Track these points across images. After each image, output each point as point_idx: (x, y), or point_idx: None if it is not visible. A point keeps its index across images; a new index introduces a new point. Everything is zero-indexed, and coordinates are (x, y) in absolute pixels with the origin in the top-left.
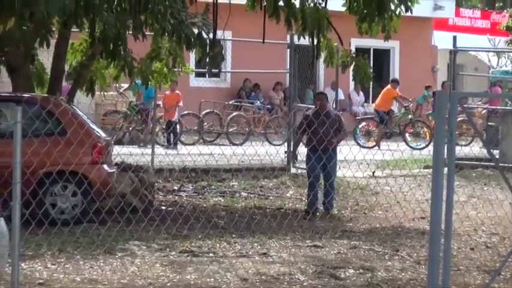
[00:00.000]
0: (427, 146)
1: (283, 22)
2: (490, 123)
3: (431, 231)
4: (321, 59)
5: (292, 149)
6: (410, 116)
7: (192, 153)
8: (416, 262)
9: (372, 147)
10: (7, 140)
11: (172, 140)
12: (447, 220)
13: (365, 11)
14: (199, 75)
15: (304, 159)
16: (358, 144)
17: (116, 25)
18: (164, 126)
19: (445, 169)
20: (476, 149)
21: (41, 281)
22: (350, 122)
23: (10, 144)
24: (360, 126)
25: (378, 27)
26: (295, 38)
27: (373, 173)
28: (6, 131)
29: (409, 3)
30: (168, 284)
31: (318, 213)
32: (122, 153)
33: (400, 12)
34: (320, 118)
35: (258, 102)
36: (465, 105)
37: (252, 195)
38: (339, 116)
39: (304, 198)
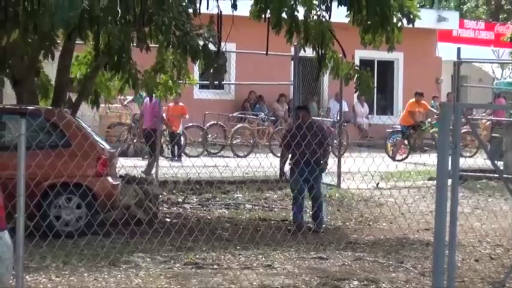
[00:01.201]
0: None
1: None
2: (494, 135)
3: (436, 243)
4: (326, 71)
5: (279, 165)
6: (432, 130)
7: (197, 165)
8: (421, 274)
9: (401, 160)
10: (11, 152)
11: (176, 152)
12: (451, 231)
13: (368, 23)
14: (203, 87)
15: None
16: (388, 155)
17: (120, 37)
18: (168, 138)
19: (449, 180)
20: (480, 160)
21: None
22: (355, 135)
23: (14, 157)
24: (392, 138)
25: (382, 38)
26: (299, 50)
27: (377, 184)
28: (11, 143)
29: (412, 16)
30: None
31: (304, 227)
32: (126, 165)
33: (401, 25)
34: (302, 131)
35: (262, 114)
36: (469, 117)
37: (256, 207)
38: (322, 128)
39: (308, 210)
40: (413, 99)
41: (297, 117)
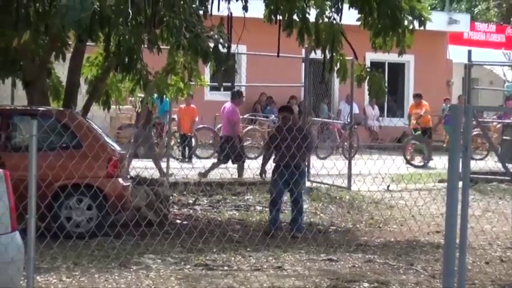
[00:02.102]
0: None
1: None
2: (504, 137)
3: (446, 245)
4: (335, 74)
5: (261, 165)
6: (416, 132)
7: (207, 167)
8: (431, 276)
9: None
10: (23, 153)
11: (187, 153)
12: (462, 234)
13: (379, 26)
14: (214, 88)
15: (317, 172)
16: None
17: (131, 39)
18: (179, 140)
19: (460, 183)
20: (491, 163)
21: None
22: (365, 137)
23: (25, 158)
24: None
25: (392, 42)
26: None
27: (388, 186)
28: (22, 144)
29: (422, 19)
30: None
31: (279, 233)
32: (137, 166)
33: (413, 28)
34: (282, 133)
35: (273, 116)
36: (480, 119)
37: (266, 209)
38: (303, 130)
39: (319, 212)
40: (413, 102)
41: (281, 119)
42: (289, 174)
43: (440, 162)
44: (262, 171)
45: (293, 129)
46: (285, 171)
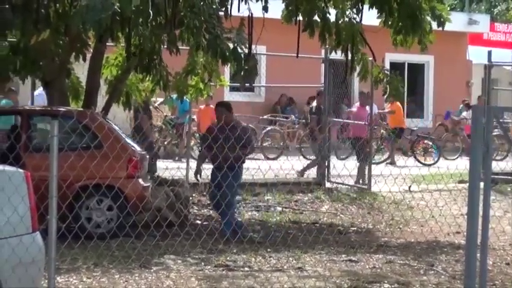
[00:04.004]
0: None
1: (317, 37)
2: None
3: (468, 246)
4: (355, 74)
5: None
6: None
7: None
8: (452, 277)
9: (430, 165)
10: (44, 153)
11: None
12: (483, 235)
13: (400, 24)
14: (233, 89)
15: (339, 172)
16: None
17: (152, 39)
18: (199, 140)
19: (481, 183)
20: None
21: None
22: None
23: (46, 158)
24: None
25: (414, 39)
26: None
27: (409, 187)
28: (43, 144)
29: (442, 20)
30: None
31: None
32: (158, 167)
33: (431, 28)
34: (221, 133)
35: (293, 116)
36: (500, 120)
37: (287, 210)
38: (245, 130)
39: (339, 213)
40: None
41: (218, 117)
42: (222, 176)
43: (461, 163)
44: (199, 169)
45: (225, 128)
46: (217, 172)
